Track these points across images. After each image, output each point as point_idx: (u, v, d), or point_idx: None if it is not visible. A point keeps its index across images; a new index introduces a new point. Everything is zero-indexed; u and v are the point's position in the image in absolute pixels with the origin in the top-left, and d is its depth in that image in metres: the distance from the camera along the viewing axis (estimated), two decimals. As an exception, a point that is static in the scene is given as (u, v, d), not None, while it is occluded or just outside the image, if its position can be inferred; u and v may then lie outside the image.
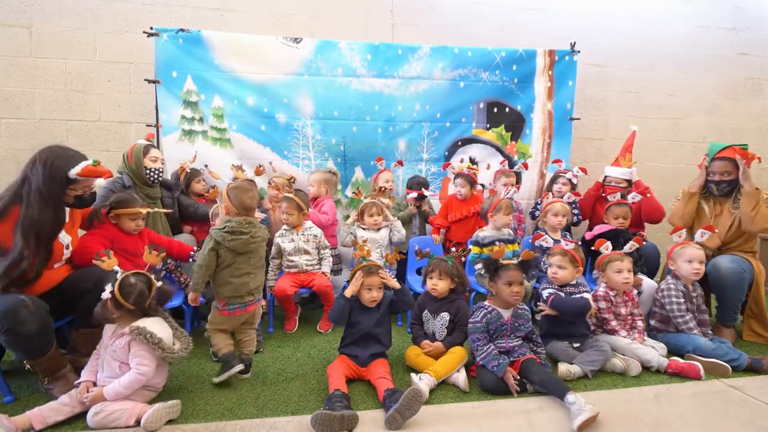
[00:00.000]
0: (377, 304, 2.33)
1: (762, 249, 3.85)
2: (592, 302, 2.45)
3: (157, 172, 2.87)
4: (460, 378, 2.21)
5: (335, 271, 3.29)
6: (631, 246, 2.64)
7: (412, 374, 2.23)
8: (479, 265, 2.86)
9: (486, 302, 2.36)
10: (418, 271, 3.26)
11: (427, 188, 3.51)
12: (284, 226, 3.04)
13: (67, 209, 2.18)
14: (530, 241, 3.09)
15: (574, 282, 2.58)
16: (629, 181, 3.46)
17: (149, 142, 2.97)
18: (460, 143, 3.84)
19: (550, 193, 3.59)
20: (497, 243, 2.93)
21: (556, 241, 2.94)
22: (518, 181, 3.69)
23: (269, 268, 3.02)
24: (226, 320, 2.27)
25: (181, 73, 3.35)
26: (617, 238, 2.78)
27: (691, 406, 2.07)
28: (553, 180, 3.67)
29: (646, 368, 2.40)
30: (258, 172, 3.39)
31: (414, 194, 3.46)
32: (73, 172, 2.03)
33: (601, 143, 4.39)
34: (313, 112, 3.57)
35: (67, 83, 3.53)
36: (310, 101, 3.56)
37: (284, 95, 3.52)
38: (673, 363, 2.38)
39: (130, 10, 3.55)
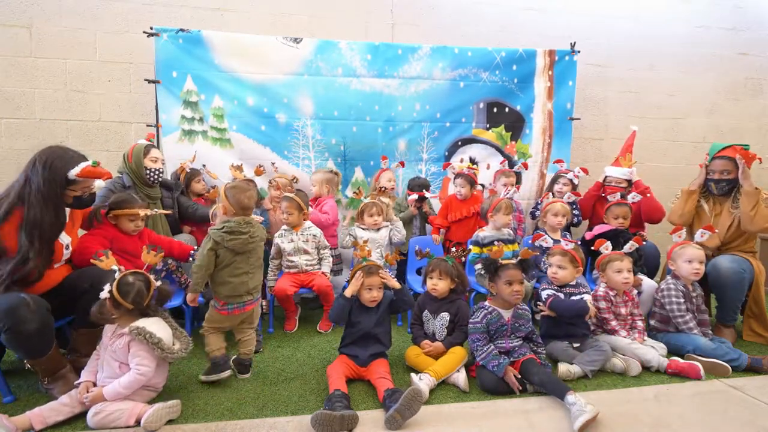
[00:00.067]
0: (377, 304, 2.33)
1: (762, 249, 3.84)
2: (590, 305, 2.44)
3: (157, 172, 2.87)
4: (460, 378, 2.21)
5: (335, 271, 3.29)
6: (631, 246, 2.64)
7: (412, 374, 2.23)
8: (479, 265, 2.86)
9: (486, 302, 2.36)
10: (418, 271, 3.26)
11: (428, 190, 3.52)
12: (284, 227, 3.04)
13: (67, 210, 2.18)
14: (530, 241, 3.09)
15: (574, 282, 2.58)
16: (629, 181, 3.46)
17: (150, 143, 2.97)
18: (460, 143, 3.84)
19: (551, 193, 3.59)
20: (496, 243, 2.92)
21: (556, 241, 2.94)
22: (518, 181, 3.69)
23: (269, 269, 3.03)
24: (225, 319, 2.27)
25: (181, 73, 3.35)
26: (617, 238, 2.77)
27: (691, 406, 2.07)
28: (554, 180, 3.67)
29: (646, 368, 2.40)
30: (258, 173, 3.39)
31: (415, 196, 3.46)
32: (73, 173, 2.03)
33: (601, 143, 4.39)
34: (313, 112, 3.57)
35: (67, 83, 3.53)
36: (310, 101, 3.56)
37: (284, 95, 3.52)
38: (673, 363, 2.38)
39: (130, 10, 3.55)
